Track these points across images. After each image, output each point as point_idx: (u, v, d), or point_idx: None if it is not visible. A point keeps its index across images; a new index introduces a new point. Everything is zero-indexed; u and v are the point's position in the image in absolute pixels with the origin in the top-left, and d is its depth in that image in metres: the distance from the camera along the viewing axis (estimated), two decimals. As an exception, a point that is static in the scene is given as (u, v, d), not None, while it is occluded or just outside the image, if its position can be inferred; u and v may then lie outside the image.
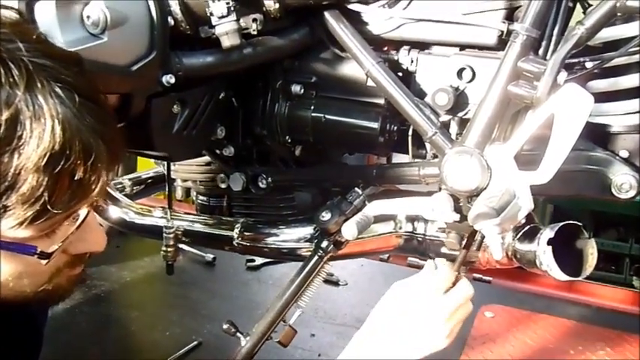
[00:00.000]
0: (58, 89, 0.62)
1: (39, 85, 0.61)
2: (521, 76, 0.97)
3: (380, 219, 1.19)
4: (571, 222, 1.00)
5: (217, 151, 1.37)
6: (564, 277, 0.96)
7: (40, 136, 0.60)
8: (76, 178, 0.63)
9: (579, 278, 1.00)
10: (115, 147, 0.68)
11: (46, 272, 0.71)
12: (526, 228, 1.11)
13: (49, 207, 0.62)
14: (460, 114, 1.10)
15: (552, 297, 2.09)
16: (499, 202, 0.85)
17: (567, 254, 1.00)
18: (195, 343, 2.18)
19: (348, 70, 1.21)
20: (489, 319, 2.05)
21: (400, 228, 1.26)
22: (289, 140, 1.30)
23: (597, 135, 1.12)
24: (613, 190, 1.12)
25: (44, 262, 0.68)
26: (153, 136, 1.08)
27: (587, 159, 1.13)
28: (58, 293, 0.76)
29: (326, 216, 1.18)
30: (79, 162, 0.62)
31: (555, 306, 2.11)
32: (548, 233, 0.97)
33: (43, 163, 0.60)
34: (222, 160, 1.40)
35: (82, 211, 0.69)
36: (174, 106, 1.11)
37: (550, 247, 0.95)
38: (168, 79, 1.03)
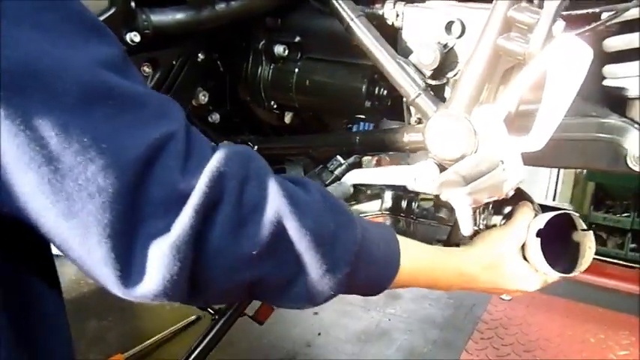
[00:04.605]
0: None
1: None
2: (513, 28, 0.85)
3: (366, 199, 1.10)
4: (566, 211, 0.88)
5: (203, 118, 1.30)
6: (554, 274, 0.85)
7: None
8: None
9: (571, 275, 0.88)
10: None
11: None
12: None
13: None
14: (449, 74, 0.98)
15: (574, 279, 1.95)
16: (469, 168, 0.74)
17: (561, 246, 0.88)
18: (194, 317, 2.23)
19: (334, 28, 1.11)
20: (505, 303, 1.93)
21: (385, 209, 1.16)
22: (275, 106, 1.22)
23: (612, 100, 1.00)
24: (628, 162, 0.99)
25: None
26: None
27: (599, 126, 1.00)
28: None
29: (306, 186, 1.09)
30: None
31: (577, 290, 1.97)
32: (537, 223, 0.85)
33: None
34: (209, 127, 1.32)
35: None
36: (144, 67, 1.05)
37: (539, 238, 0.83)
38: (132, 36, 0.97)
